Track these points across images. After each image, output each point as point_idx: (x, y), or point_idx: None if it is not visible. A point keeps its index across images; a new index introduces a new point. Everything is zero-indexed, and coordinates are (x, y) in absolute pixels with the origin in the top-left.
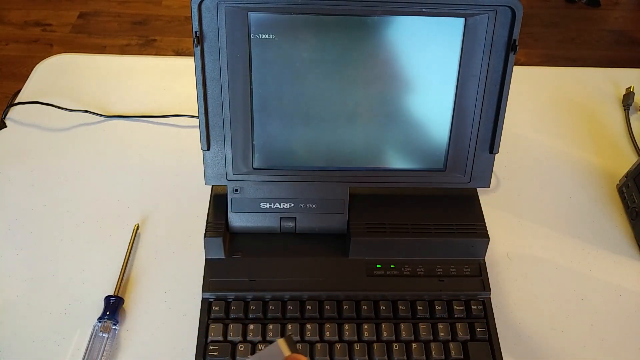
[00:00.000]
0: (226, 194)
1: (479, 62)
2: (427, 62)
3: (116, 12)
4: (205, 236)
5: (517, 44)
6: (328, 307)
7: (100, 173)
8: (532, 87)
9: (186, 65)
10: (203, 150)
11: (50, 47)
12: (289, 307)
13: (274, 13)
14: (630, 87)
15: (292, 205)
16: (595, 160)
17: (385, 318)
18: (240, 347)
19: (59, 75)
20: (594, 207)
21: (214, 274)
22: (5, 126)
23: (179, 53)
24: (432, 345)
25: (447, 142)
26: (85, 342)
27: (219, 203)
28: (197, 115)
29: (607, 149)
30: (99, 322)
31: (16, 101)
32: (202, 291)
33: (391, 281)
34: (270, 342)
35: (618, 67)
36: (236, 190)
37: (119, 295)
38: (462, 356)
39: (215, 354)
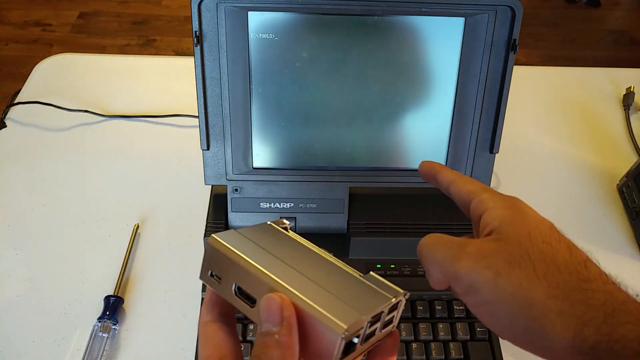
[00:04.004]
0: (226, 194)
1: (479, 62)
2: (427, 62)
3: (116, 12)
4: (205, 236)
5: (517, 43)
6: None
7: (100, 173)
8: (532, 87)
9: (186, 65)
10: (203, 150)
11: (50, 47)
12: None
13: (273, 12)
14: (630, 87)
15: (292, 205)
16: (595, 160)
17: None
18: (240, 347)
19: (59, 75)
20: (594, 207)
21: None
22: (5, 126)
23: (179, 53)
24: (432, 345)
25: (447, 142)
26: (85, 342)
27: (219, 203)
28: (197, 115)
29: (607, 149)
30: (99, 322)
31: (16, 101)
32: (202, 291)
33: (391, 281)
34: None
35: (618, 67)
36: (236, 190)
37: (119, 295)
38: (462, 356)
39: None
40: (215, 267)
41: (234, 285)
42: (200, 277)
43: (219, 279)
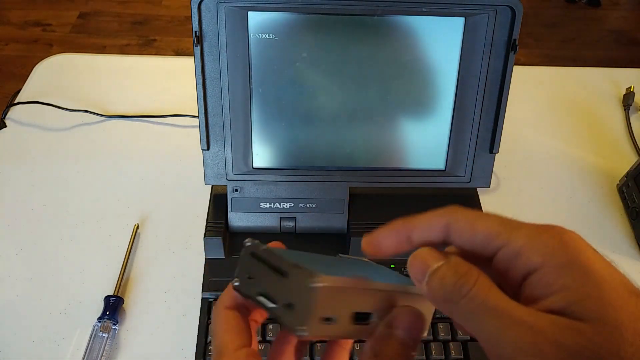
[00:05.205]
0: (226, 194)
1: (479, 62)
2: (427, 61)
3: (116, 12)
4: (205, 236)
5: (517, 43)
6: None
7: (100, 173)
8: (532, 87)
9: (186, 65)
10: (203, 150)
11: (50, 47)
12: None
13: (273, 12)
14: (630, 87)
15: (292, 205)
16: (595, 160)
17: None
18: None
19: (59, 75)
20: (594, 207)
21: (214, 274)
22: (5, 126)
23: (179, 53)
24: (432, 345)
25: (447, 142)
26: (85, 342)
27: (219, 203)
28: (197, 115)
29: (607, 149)
30: (99, 322)
31: (16, 101)
32: (202, 291)
33: None
34: (270, 342)
35: (618, 67)
36: (236, 190)
37: (119, 295)
38: (462, 356)
39: None
40: (329, 310)
41: (351, 315)
42: (302, 327)
43: (332, 320)
